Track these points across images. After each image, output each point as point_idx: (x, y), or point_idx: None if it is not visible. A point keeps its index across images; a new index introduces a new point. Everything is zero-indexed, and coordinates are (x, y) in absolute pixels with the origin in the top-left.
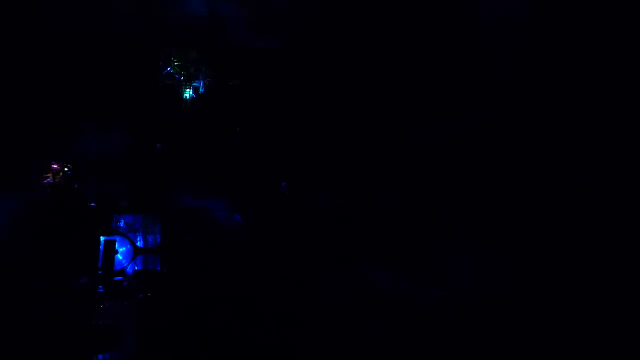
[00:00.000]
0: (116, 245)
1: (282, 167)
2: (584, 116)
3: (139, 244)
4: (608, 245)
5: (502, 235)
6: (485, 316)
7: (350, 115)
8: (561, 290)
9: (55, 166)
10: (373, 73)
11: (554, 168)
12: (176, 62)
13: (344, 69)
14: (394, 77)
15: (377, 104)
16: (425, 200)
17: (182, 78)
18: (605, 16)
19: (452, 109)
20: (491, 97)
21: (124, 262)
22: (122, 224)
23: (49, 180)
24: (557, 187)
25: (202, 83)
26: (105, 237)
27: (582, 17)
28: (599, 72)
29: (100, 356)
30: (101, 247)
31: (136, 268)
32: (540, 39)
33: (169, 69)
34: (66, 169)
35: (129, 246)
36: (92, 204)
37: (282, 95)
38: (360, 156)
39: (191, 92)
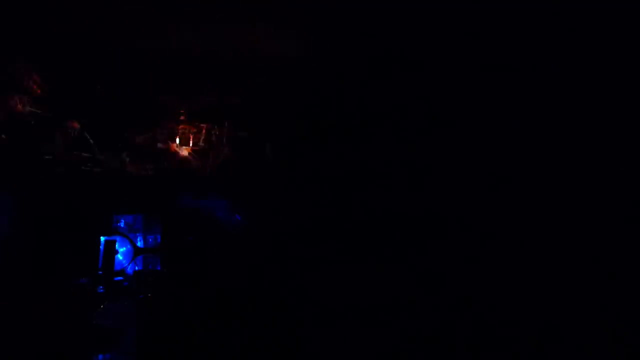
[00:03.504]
0: (116, 245)
1: (281, 168)
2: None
3: (139, 244)
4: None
5: (502, 236)
6: (484, 317)
7: (351, 116)
8: (561, 291)
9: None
10: (373, 74)
11: (559, 172)
12: (174, 80)
13: (350, 72)
14: (395, 77)
15: (378, 104)
16: (425, 201)
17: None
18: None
19: (454, 112)
20: (491, 99)
21: (124, 262)
22: (122, 224)
23: (49, 179)
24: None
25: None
26: (105, 237)
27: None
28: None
29: (100, 356)
30: (101, 247)
31: (136, 268)
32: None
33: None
34: (66, 169)
35: (129, 246)
36: (92, 204)
37: (285, 96)
38: (361, 158)
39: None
